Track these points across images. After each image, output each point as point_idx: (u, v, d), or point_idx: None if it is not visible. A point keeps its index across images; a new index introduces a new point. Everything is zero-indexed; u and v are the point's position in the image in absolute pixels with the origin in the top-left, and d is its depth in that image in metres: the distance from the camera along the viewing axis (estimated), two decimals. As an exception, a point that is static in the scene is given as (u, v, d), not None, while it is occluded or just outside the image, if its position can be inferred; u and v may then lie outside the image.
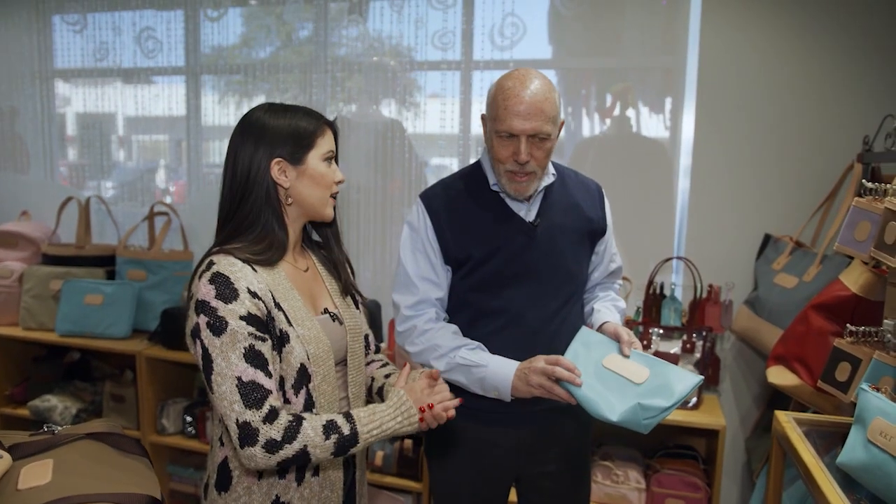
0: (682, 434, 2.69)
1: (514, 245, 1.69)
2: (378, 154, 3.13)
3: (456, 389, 1.72)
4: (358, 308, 1.64)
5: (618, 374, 1.51)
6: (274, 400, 1.32)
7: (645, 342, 2.51)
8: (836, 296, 1.86)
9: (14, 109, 3.72)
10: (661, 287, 2.68)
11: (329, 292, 1.57)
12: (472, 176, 1.75)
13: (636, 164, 2.81)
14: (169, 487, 3.12)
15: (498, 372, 1.60)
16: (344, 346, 1.53)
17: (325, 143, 1.45)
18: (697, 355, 2.49)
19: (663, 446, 2.68)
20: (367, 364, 1.67)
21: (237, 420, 1.29)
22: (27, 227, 3.35)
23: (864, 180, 1.65)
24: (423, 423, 1.43)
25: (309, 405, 1.42)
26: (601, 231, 1.81)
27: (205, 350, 1.32)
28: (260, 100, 3.30)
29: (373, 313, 2.95)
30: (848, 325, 1.64)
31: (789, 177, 2.60)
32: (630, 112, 2.85)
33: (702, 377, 1.51)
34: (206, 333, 1.31)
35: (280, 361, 1.38)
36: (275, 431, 1.29)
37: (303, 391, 1.41)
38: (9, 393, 3.24)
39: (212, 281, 1.33)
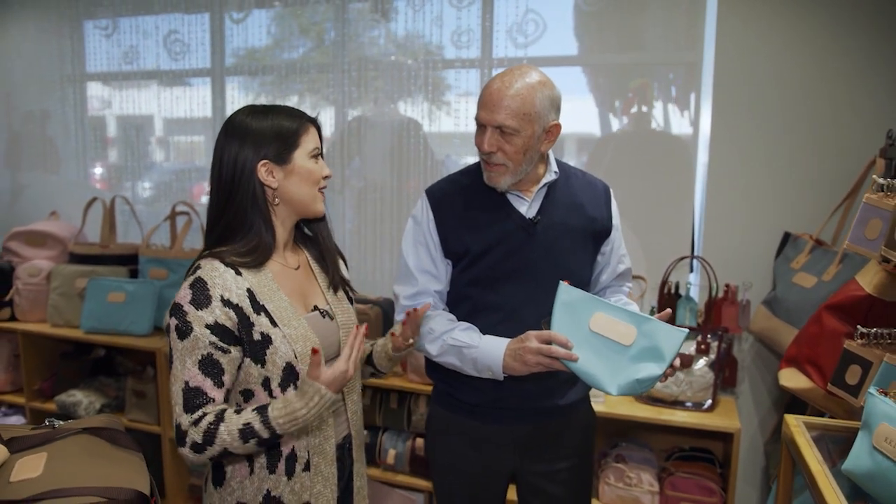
0: (698, 436, 2.63)
1: (512, 241, 1.69)
2: (395, 153, 3.14)
3: (452, 377, 1.75)
4: (351, 303, 1.66)
5: (607, 337, 1.51)
6: (211, 407, 1.37)
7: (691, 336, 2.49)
8: (850, 296, 1.80)
9: (45, 112, 3.82)
10: (676, 287, 2.63)
11: (321, 289, 1.59)
12: (477, 172, 1.76)
13: (654, 161, 2.76)
14: (189, 482, 3.17)
15: (489, 352, 1.62)
16: (336, 341, 1.55)
17: (310, 141, 1.48)
18: (713, 356, 2.43)
19: (679, 449, 2.62)
20: None
21: (175, 420, 1.37)
22: (55, 227, 3.43)
23: (874, 176, 1.59)
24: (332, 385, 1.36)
25: None
26: (606, 231, 1.79)
27: (170, 350, 1.39)
28: (291, 101, 3.35)
29: (387, 312, 2.95)
30: (859, 326, 1.58)
31: (810, 173, 2.52)
32: (648, 108, 2.81)
33: (687, 330, 1.51)
34: (173, 335, 1.37)
35: (264, 364, 1.41)
36: (197, 435, 1.34)
37: (290, 388, 1.43)
38: (37, 387, 3.33)
39: (191, 286, 1.38)
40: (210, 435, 1.33)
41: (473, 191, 1.74)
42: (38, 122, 3.85)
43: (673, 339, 1.48)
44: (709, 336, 2.45)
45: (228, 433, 1.34)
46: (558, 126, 1.65)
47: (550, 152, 1.76)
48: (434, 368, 1.83)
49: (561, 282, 1.55)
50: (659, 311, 2.50)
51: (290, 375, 1.43)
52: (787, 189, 2.55)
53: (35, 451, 1.37)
